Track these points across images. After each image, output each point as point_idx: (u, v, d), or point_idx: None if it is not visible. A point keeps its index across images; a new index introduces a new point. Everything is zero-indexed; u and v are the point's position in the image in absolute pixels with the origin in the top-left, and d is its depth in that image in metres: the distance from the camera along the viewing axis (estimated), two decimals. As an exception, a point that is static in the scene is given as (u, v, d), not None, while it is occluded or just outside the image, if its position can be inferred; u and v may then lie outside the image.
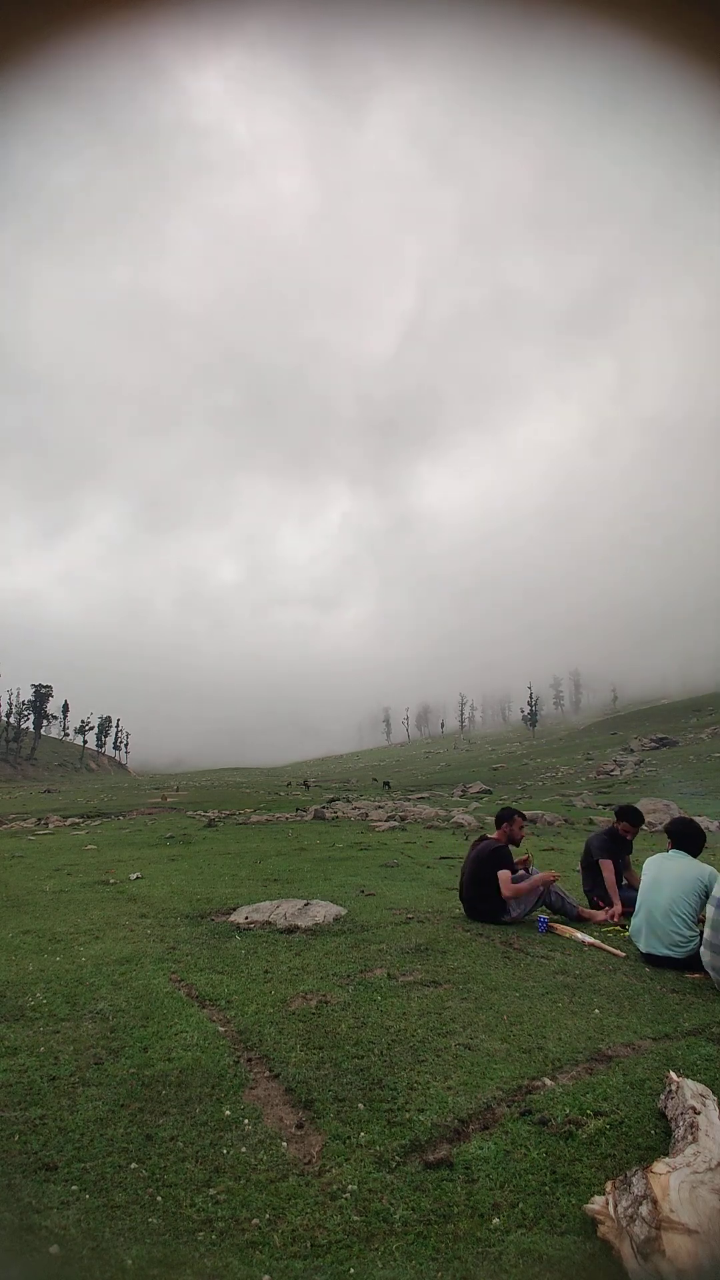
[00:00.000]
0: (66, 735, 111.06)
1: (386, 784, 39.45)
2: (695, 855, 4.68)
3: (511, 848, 5.66)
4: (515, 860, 5.63)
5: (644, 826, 11.57)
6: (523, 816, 5.82)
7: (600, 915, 5.59)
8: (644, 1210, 1.86)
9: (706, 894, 4.38)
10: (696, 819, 5.86)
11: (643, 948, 4.50)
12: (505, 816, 5.76)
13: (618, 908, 5.60)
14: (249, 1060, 3.00)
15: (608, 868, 5.91)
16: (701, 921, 4.49)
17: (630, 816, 6.19)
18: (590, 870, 6.13)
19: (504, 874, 5.34)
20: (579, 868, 6.56)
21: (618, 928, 5.35)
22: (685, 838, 4.70)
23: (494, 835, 5.74)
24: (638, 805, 8.87)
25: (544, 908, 5.53)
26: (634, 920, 4.69)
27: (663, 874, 4.59)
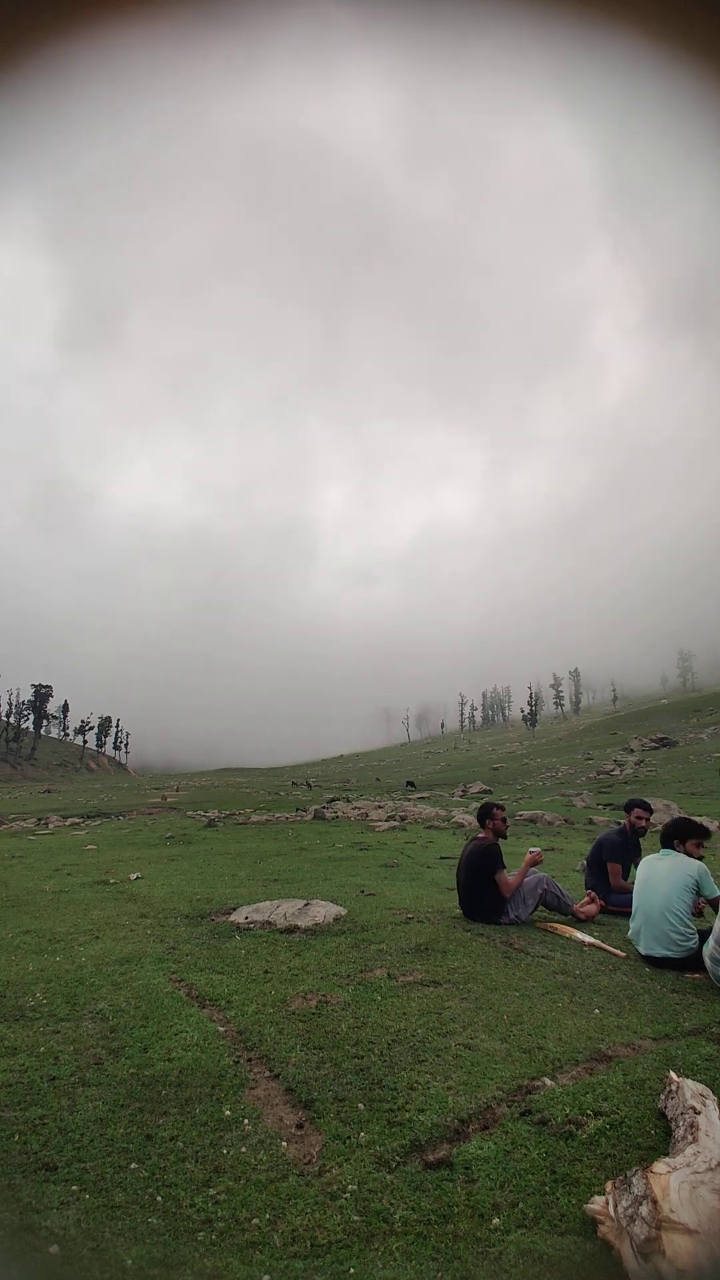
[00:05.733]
0: (66, 735, 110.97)
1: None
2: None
3: (500, 841, 5.70)
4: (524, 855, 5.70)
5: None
6: (500, 808, 5.91)
7: (593, 909, 5.62)
8: (644, 1210, 1.87)
9: (697, 887, 4.46)
10: (696, 819, 5.89)
11: (642, 950, 4.52)
12: (485, 813, 5.84)
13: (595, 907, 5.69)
14: (249, 1060, 3.00)
15: (615, 871, 5.98)
16: (699, 913, 4.52)
17: (641, 805, 6.42)
18: (596, 868, 6.15)
19: (501, 876, 5.36)
20: (580, 866, 6.58)
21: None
22: (674, 837, 4.75)
23: (482, 834, 5.77)
24: None
25: (542, 907, 5.54)
26: (632, 923, 4.70)
27: (653, 874, 4.64)
